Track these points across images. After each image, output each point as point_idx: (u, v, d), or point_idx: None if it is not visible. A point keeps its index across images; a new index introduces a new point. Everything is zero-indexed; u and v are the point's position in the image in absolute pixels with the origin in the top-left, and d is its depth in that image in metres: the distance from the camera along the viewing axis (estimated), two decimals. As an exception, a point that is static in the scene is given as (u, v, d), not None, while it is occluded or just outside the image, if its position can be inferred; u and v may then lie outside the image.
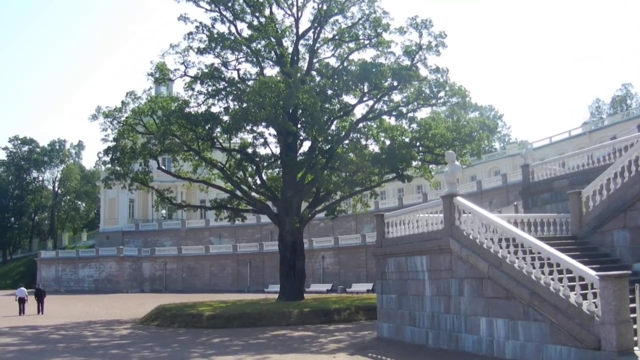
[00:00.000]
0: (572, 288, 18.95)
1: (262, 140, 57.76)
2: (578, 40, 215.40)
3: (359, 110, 57.81)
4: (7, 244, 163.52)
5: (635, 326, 18.14)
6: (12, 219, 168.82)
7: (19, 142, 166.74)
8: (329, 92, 54.56)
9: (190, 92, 56.87)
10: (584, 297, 18.59)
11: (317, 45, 57.73)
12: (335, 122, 56.76)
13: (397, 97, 55.79)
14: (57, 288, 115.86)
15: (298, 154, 56.22)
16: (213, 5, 56.31)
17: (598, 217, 25.83)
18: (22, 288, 62.79)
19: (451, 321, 24.91)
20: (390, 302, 29.98)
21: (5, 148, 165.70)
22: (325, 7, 55.71)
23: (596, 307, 18.05)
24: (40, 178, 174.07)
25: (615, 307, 17.37)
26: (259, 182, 58.85)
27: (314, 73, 57.09)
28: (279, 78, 52.09)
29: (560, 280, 19.36)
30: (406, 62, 53.60)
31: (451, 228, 24.92)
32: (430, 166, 59.49)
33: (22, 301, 59.75)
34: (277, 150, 57.85)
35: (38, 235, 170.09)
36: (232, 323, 41.81)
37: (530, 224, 26.69)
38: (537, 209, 36.04)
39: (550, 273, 19.82)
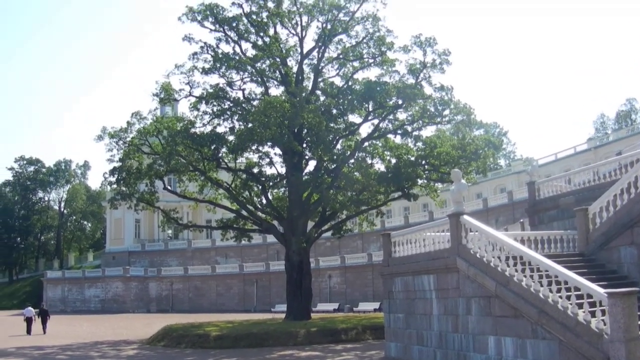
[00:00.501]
0: (580, 306, 18.80)
1: (267, 160, 57.96)
2: (581, 56, 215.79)
3: (364, 129, 57.92)
4: (14, 264, 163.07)
5: (644, 344, 18.03)
6: (18, 239, 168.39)
7: (25, 162, 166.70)
8: (334, 111, 54.68)
9: (195, 113, 57.16)
10: (593, 314, 18.44)
11: (322, 64, 57.87)
12: (340, 141, 56.79)
13: (402, 115, 55.84)
14: (64, 308, 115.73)
15: (304, 174, 56.19)
16: (217, 26, 56.61)
17: (605, 233, 25.74)
18: (30, 308, 63.37)
19: (459, 340, 24.80)
20: (397, 322, 29.90)
21: (11, 168, 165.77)
22: (329, 27, 55.92)
23: (605, 324, 17.92)
24: (46, 198, 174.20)
25: (624, 325, 17.25)
26: (264, 201, 58.82)
27: (318, 92, 57.28)
28: (284, 98, 52.38)
29: (569, 298, 19.24)
30: (411, 80, 53.65)
31: (458, 247, 24.85)
32: (436, 184, 59.41)
33: (29, 321, 60.13)
34: (282, 170, 58.05)
35: (44, 255, 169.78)
36: (239, 343, 41.74)
37: (537, 241, 26.58)
38: (543, 226, 35.94)
39: (558, 291, 19.71)
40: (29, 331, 59.09)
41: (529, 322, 20.78)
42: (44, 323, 60.74)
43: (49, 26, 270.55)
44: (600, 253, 25.81)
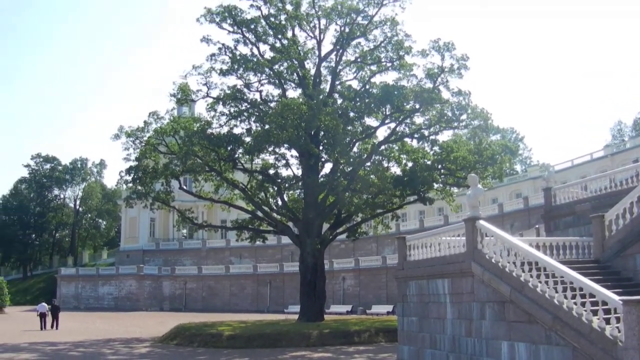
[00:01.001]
0: (595, 313, 18.70)
1: (283, 161, 57.99)
2: (599, 61, 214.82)
3: (381, 133, 57.83)
4: (28, 261, 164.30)
5: (659, 352, 17.98)
6: (33, 235, 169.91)
7: (41, 159, 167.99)
8: (351, 114, 54.67)
9: (212, 113, 57.38)
10: (607, 321, 18.36)
11: (340, 67, 57.97)
12: (357, 144, 56.77)
13: (419, 119, 55.86)
14: (77, 305, 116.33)
15: (320, 176, 56.28)
16: (236, 28, 56.79)
17: (621, 241, 25.67)
18: (44, 304, 64.80)
19: (472, 345, 24.75)
20: (411, 325, 29.89)
21: (28, 165, 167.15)
22: (347, 30, 56.02)
23: (619, 332, 17.84)
24: (62, 196, 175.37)
25: (639, 332, 17.22)
26: (280, 203, 58.90)
27: (336, 95, 57.32)
28: (301, 100, 52.44)
29: (583, 304, 19.16)
30: (428, 84, 53.58)
31: (473, 251, 24.82)
32: (452, 189, 59.36)
33: (43, 316, 62.18)
34: (298, 172, 58.09)
35: (58, 252, 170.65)
36: (252, 343, 41.84)
37: (553, 247, 26.52)
38: (559, 232, 35.80)
39: (573, 297, 19.63)
40: (42, 326, 61.13)
41: (543, 328, 20.73)
42: (55, 319, 62.45)
43: (66, 25, 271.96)
44: (615, 260, 25.74)
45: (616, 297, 18.37)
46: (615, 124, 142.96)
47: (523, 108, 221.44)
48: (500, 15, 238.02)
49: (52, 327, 61.66)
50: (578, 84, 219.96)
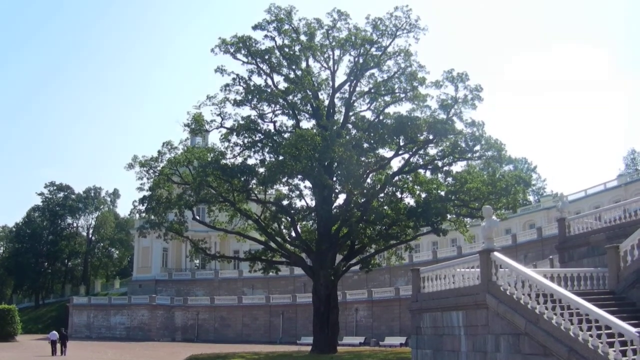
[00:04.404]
0: (611, 345, 18.62)
1: (297, 192, 57.62)
2: (612, 90, 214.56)
3: (395, 164, 57.80)
4: (40, 289, 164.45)
5: (675, 386, 17.86)
6: (46, 264, 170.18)
7: (55, 188, 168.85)
8: (365, 145, 54.76)
9: (226, 144, 57.65)
10: (624, 354, 18.29)
11: (353, 98, 58.16)
12: (370, 175, 56.72)
13: (432, 150, 55.99)
14: (89, 334, 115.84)
15: (333, 207, 56.25)
16: (250, 58, 57.21)
17: (636, 271, 25.58)
18: (54, 332, 68.21)
19: (487, 377, 24.64)
20: (425, 358, 29.73)
21: (41, 194, 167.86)
22: (361, 61, 56.30)
23: (635, 364, 17.82)
24: (75, 224, 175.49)
25: (655, 365, 17.14)
26: (293, 234, 58.92)
27: (349, 126, 57.43)
28: (315, 131, 52.56)
29: (599, 336, 19.09)
30: (442, 115, 53.68)
31: (488, 283, 24.76)
32: (466, 219, 59.16)
33: (53, 343, 66.11)
34: (312, 203, 57.86)
35: (71, 280, 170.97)
36: (265, 375, 41.73)
37: (567, 278, 26.46)
38: (573, 263, 35.65)
39: (589, 329, 19.55)
40: (53, 352, 64.99)
41: (558, 361, 20.64)
42: (63, 346, 65.72)
43: (80, 50, 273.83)
44: (631, 291, 25.63)
45: (633, 329, 18.30)
46: (629, 152, 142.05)
47: (535, 137, 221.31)
48: (512, 44, 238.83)
49: (61, 353, 64.64)
50: (591, 114, 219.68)
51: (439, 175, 55.66)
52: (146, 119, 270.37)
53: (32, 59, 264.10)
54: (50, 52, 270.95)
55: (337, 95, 58.72)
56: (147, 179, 57.13)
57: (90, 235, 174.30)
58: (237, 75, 57.15)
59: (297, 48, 57.31)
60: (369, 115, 58.46)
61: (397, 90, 57.06)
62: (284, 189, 59.08)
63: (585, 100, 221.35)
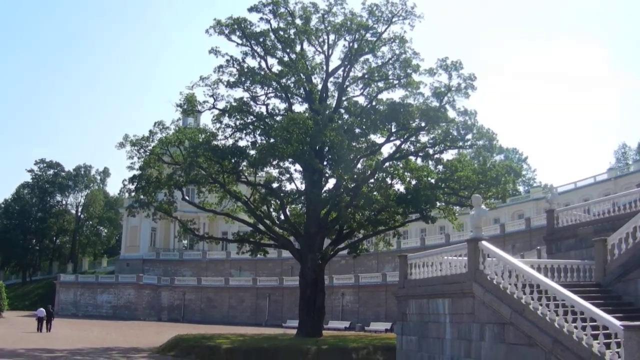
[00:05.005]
0: (595, 337, 18.67)
1: (287, 175, 57.53)
2: (604, 83, 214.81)
3: (386, 150, 57.67)
4: (28, 266, 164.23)
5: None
6: (34, 240, 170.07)
7: (45, 165, 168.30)
8: (357, 130, 54.62)
9: (218, 125, 57.39)
10: (607, 346, 18.29)
11: (347, 83, 57.95)
12: (361, 160, 56.43)
13: (424, 137, 55.74)
14: (75, 312, 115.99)
15: (323, 191, 56.09)
16: (244, 40, 56.90)
17: (623, 265, 25.67)
18: (42, 309, 70.48)
19: (471, 366, 24.71)
20: (410, 344, 29.83)
21: (31, 170, 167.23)
22: (356, 46, 56.09)
23: (619, 357, 17.75)
24: (64, 202, 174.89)
25: (639, 358, 17.17)
26: (282, 217, 58.92)
27: (342, 111, 57.30)
28: (307, 115, 52.47)
29: (584, 328, 19.14)
30: (435, 103, 53.57)
31: (475, 272, 24.80)
32: (455, 208, 59.19)
33: (40, 320, 68.84)
34: (302, 186, 57.70)
35: (58, 258, 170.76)
36: (250, 357, 41.73)
37: (554, 269, 26.53)
38: (560, 254, 35.73)
39: (574, 321, 19.61)
40: (39, 329, 67.79)
41: (542, 351, 20.68)
42: (48, 322, 69.14)
43: (72, 27, 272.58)
44: (617, 285, 25.73)
45: (617, 322, 18.34)
46: (620, 147, 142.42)
47: (527, 128, 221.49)
48: (507, 35, 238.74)
49: (47, 330, 67.34)
50: (583, 106, 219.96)
51: (430, 162, 55.56)
52: (139, 99, 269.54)
53: (24, 38, 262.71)
54: (40, 30, 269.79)
55: (331, 79, 58.49)
56: (138, 158, 56.85)
57: (79, 213, 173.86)
58: (231, 57, 56.86)
59: (292, 31, 57.02)
60: (361, 100, 58.38)
61: (390, 77, 56.84)
62: (274, 172, 59.06)
63: (578, 94, 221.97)
